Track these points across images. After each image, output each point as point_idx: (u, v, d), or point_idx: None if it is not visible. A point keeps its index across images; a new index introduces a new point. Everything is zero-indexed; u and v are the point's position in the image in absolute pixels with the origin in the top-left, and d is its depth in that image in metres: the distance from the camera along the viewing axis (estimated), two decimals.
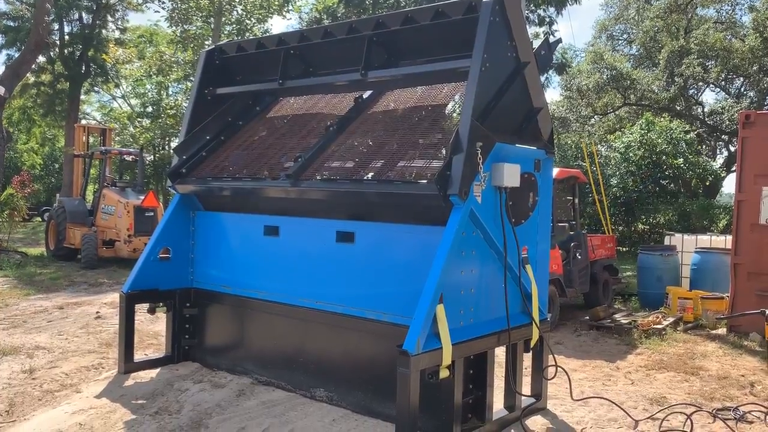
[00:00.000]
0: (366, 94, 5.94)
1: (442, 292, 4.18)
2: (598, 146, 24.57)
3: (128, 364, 5.89)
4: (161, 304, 6.23)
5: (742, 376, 6.22)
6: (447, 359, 4.13)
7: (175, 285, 6.21)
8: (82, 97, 31.98)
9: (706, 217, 18.40)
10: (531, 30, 24.21)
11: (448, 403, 4.33)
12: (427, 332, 4.03)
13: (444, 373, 4.14)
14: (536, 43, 5.36)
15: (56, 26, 27.60)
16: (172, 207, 6.25)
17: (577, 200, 9.66)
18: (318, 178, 5.10)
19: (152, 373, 5.90)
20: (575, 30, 75.15)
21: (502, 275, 4.71)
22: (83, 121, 32.73)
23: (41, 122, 32.58)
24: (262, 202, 5.73)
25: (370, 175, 4.87)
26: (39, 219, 26.83)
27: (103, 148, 15.13)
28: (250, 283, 5.80)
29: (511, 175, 4.66)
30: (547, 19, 22.07)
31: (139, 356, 6.31)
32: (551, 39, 5.52)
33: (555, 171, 9.35)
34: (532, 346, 5.07)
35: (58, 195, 19.73)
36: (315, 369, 5.31)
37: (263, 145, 6.02)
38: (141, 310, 6.54)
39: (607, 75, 23.75)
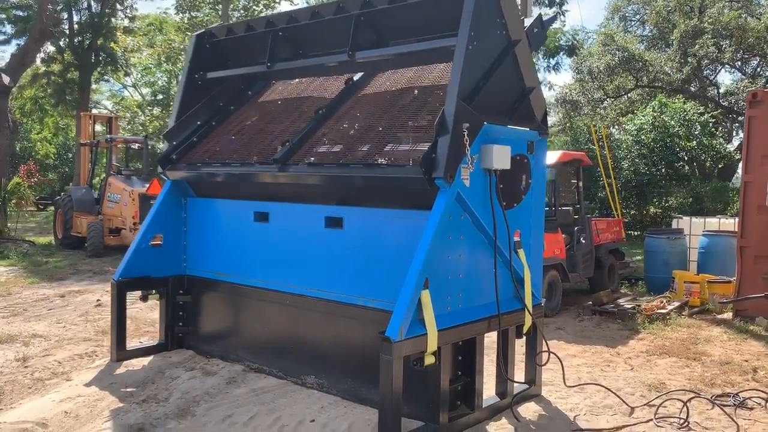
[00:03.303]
0: (357, 77, 5.84)
1: (428, 277, 4.08)
2: (610, 129, 24.24)
3: (120, 351, 5.86)
4: (154, 291, 6.19)
5: (746, 361, 6.07)
6: (432, 346, 4.04)
7: (167, 272, 6.16)
8: (94, 86, 32.08)
9: (720, 200, 18.09)
10: (542, 11, 23.87)
11: (435, 389, 4.24)
12: (411, 318, 3.94)
13: (429, 360, 4.06)
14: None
15: (65, 15, 27.62)
16: (164, 193, 6.19)
17: (581, 183, 9.47)
18: (305, 162, 5.00)
19: (145, 360, 5.87)
20: (590, 12, 74.07)
21: (493, 260, 4.60)
22: (94, 110, 32.85)
23: (53, 112, 32.70)
24: (252, 188, 5.66)
25: (356, 158, 4.76)
26: (53, 208, 26.95)
27: (108, 136, 15.13)
28: (241, 270, 5.74)
29: (500, 157, 4.53)
30: (557, 0, 21.68)
31: (133, 344, 6.29)
32: (544, 16, 5.34)
33: (558, 154, 9.19)
34: (525, 332, 4.96)
35: (71, 184, 19.82)
36: (305, 356, 5.25)
37: (253, 130, 5.92)
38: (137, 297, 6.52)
39: (618, 57, 23.31)
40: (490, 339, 4.80)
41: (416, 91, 5.18)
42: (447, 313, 4.31)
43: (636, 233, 18.28)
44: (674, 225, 11.43)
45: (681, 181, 18.89)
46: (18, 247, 13.59)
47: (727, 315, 7.91)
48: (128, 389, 5.11)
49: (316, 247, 5.15)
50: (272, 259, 5.49)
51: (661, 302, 8.12)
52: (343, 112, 5.44)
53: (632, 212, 19.93)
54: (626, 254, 11.63)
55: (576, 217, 9.16)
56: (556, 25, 24.61)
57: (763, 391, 5.11)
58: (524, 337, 5.01)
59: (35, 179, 14.89)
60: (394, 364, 3.80)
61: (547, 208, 9.09)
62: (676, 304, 8.17)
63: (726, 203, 18.05)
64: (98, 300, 8.79)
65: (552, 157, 8.82)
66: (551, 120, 33.41)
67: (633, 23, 29.39)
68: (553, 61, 25.05)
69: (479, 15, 4.38)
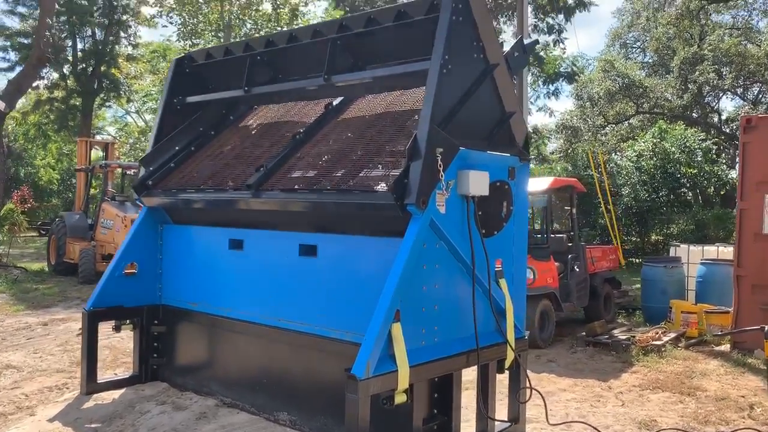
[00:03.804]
0: (337, 101, 5.71)
1: (399, 309, 3.88)
2: (612, 155, 24.11)
3: (91, 384, 5.65)
4: (127, 321, 5.99)
5: (742, 397, 5.81)
6: (404, 383, 3.82)
7: (142, 302, 5.97)
8: (99, 111, 32.25)
9: (723, 227, 17.83)
10: (541, 39, 23.94)
11: (408, 429, 4.01)
12: (379, 353, 3.72)
13: (400, 398, 3.83)
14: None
15: (69, 43, 27.88)
16: (139, 220, 6.04)
17: (575, 210, 9.27)
18: (279, 188, 4.84)
19: (116, 393, 5.66)
20: (592, 41, 74.51)
21: (472, 290, 4.40)
22: (98, 137, 32.97)
23: (56, 138, 32.85)
24: (227, 215, 5.50)
25: (330, 184, 4.59)
26: None
27: (103, 162, 15.06)
28: (216, 299, 5.55)
29: (478, 183, 4.36)
30: (556, 27, 21.72)
31: (106, 376, 6.08)
32: (526, 40, 5.21)
33: (550, 180, 9.02)
34: (507, 367, 4.73)
35: (64, 210, 19.73)
36: (278, 391, 5.03)
37: (231, 155, 5.78)
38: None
39: (619, 83, 23.28)
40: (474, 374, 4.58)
41: (394, 116, 5.03)
42: (421, 347, 4.10)
43: (637, 260, 17.99)
44: (672, 253, 11.19)
45: (683, 208, 18.66)
46: (9, 273, 13.43)
47: (725, 347, 7.64)
48: (93, 425, 4.90)
49: (290, 276, 4.96)
50: (246, 288, 5.31)
51: (657, 333, 7.87)
52: (321, 137, 5.30)
53: (633, 239, 19.69)
54: (626, 282, 11.40)
55: (570, 244, 8.95)
56: (555, 52, 24.67)
57: (758, 430, 4.86)
58: (507, 372, 4.79)
59: (29, 205, 14.79)
60: (360, 403, 3.58)
61: (539, 236, 8.92)
62: (673, 335, 7.91)
63: (729, 231, 17.78)
64: (80, 329, 8.57)
65: (543, 183, 8.65)
66: (552, 147, 33.40)
67: (633, 50, 29.50)
68: (552, 87, 25.05)
69: (454, 38, 4.24)
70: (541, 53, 24.28)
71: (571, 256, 8.80)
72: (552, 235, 8.62)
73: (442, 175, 4.10)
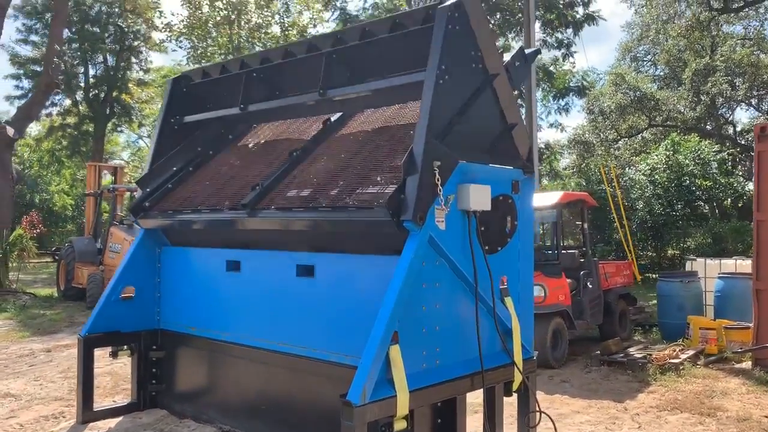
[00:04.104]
0: (336, 117, 5.57)
1: (397, 330, 3.70)
2: (625, 169, 23.82)
3: (87, 413, 5.49)
4: (125, 347, 5.83)
5: (766, 417, 5.53)
6: (403, 409, 3.62)
7: (139, 326, 5.82)
8: (111, 136, 32.52)
9: (741, 240, 17.46)
10: (550, 53, 23.82)
11: None
12: (376, 378, 3.54)
13: (400, 425, 3.63)
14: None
15: (81, 69, 28.20)
16: (136, 243, 5.91)
17: (586, 225, 9.05)
18: (274, 207, 4.69)
19: (113, 422, 5.50)
20: (603, 56, 74.38)
21: (476, 310, 4.20)
22: (111, 161, 33.18)
23: (70, 164, 33.12)
24: (223, 236, 5.35)
25: (326, 201, 4.43)
26: None
27: (111, 186, 15.05)
28: (213, 323, 5.39)
29: (479, 198, 4.19)
30: (565, 42, 21.59)
31: (104, 404, 5.93)
32: (527, 50, 5.06)
33: (559, 194, 8.81)
34: (514, 389, 4.52)
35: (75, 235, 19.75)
36: (277, 417, 4.84)
37: (229, 175, 5.65)
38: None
39: (630, 96, 23.05)
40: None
41: (393, 130, 4.88)
42: (422, 370, 3.91)
43: (653, 275, 17.63)
44: (688, 267, 10.89)
45: (699, 222, 18.32)
46: (17, 299, 13.38)
47: (746, 364, 7.34)
48: None
49: (287, 298, 4.79)
50: (244, 311, 5.14)
51: (674, 351, 7.59)
52: (318, 154, 5.15)
53: (649, 254, 19.33)
54: (642, 298, 11.10)
55: (582, 260, 8.70)
56: (565, 66, 24.52)
57: None
58: (515, 395, 4.57)
59: (38, 230, 14.78)
60: (356, 431, 3.39)
61: (549, 252, 8.69)
62: (691, 352, 7.62)
63: (747, 244, 17.39)
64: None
65: (553, 197, 8.45)
66: (565, 162, 33.15)
67: (644, 63, 29.28)
68: (563, 102, 24.86)
69: (450, 48, 4.10)
70: (551, 68, 24.12)
71: (584, 273, 8.55)
72: (563, 251, 8.38)
73: (440, 190, 3.93)
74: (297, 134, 5.78)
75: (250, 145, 6.07)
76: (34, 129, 34.30)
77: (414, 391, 3.70)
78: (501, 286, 4.50)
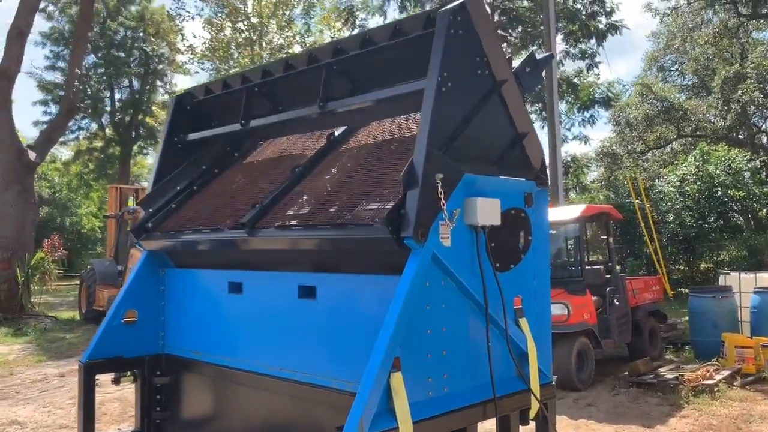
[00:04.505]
0: (340, 131, 5.36)
1: (399, 356, 3.44)
2: (654, 181, 23.26)
3: None
4: (128, 373, 5.64)
5: None
6: None
7: (143, 351, 5.62)
8: (138, 159, 32.91)
9: None
10: (574, 65, 23.46)
11: None
12: (375, 408, 3.27)
13: None
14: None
15: (108, 94, 28.62)
16: (139, 265, 5.73)
17: (611, 239, 8.68)
18: (274, 225, 4.47)
19: None
20: (630, 68, 73.55)
21: (485, 333, 3.91)
22: (136, 184, 33.60)
23: (98, 187, 33.60)
24: (225, 256, 5.15)
25: (326, 218, 4.20)
26: None
27: (131, 208, 15.07)
28: (217, 347, 5.17)
29: (487, 212, 3.92)
30: (589, 52, 21.22)
31: (111, 431, 5.74)
32: (539, 54, 4.79)
33: (581, 207, 8.47)
34: (531, 418, 4.20)
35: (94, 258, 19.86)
36: None
37: (230, 193, 5.46)
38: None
39: (657, 107, 22.54)
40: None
41: (397, 143, 4.64)
42: (428, 399, 3.63)
43: (686, 290, 17.04)
44: (722, 281, 10.40)
45: (733, 234, 17.70)
46: (39, 322, 13.38)
47: None
48: None
49: (289, 321, 4.55)
50: (247, 334, 4.92)
51: (708, 371, 7.17)
52: (321, 170, 4.94)
53: (681, 268, 18.74)
54: (674, 315, 10.65)
55: (608, 276, 8.33)
56: (589, 78, 24.11)
57: None
58: (533, 424, 4.26)
59: (59, 253, 14.83)
60: None
61: (573, 268, 8.34)
62: (726, 372, 7.20)
63: None
64: (96, 379, 8.30)
65: (575, 210, 8.12)
66: (593, 175, 32.55)
67: (672, 73, 28.68)
68: (587, 114, 24.43)
69: (453, 53, 3.86)
70: (575, 80, 23.73)
71: (610, 289, 8.19)
72: (588, 267, 8.02)
73: (443, 204, 3.67)
74: (302, 150, 5.59)
75: (255, 163, 5.88)
76: (64, 153, 34.99)
77: (418, 421, 3.43)
78: (515, 307, 4.22)
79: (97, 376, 5.46)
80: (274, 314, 4.69)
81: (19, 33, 15.32)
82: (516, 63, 4.72)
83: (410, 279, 3.54)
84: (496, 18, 21.30)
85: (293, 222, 4.37)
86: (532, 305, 4.36)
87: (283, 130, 5.72)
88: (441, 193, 3.65)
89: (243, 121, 5.28)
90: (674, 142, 24.73)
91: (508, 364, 4.07)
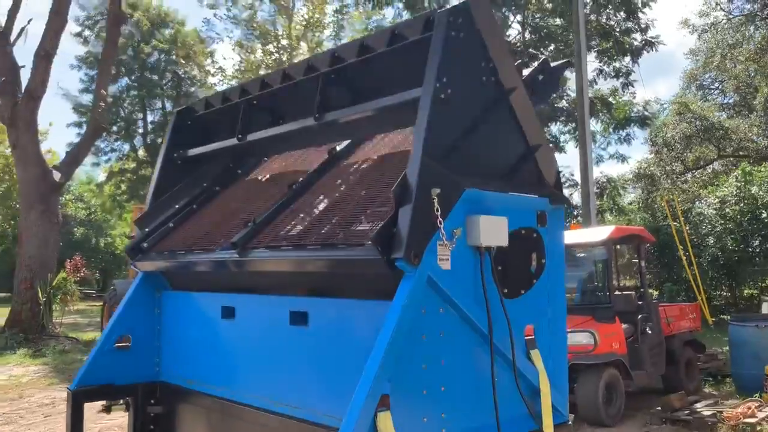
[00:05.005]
0: (342, 146, 5.04)
1: (389, 393, 3.06)
2: (694, 204, 22.42)
3: None
4: (121, 401, 5.35)
5: None
6: None
7: (136, 378, 5.32)
8: None
9: None
10: (608, 83, 22.89)
11: None
12: None
13: None
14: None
15: (140, 116, 29.03)
16: (134, 287, 5.46)
17: (644, 263, 8.15)
18: (263, 246, 4.15)
19: None
20: (672, 89, 72.18)
21: (490, 366, 3.51)
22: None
23: (131, 208, 34.06)
24: (217, 277, 4.85)
25: (318, 239, 3.86)
26: None
27: None
28: (210, 376, 4.84)
29: (493, 231, 3.53)
30: (624, 70, 20.66)
31: None
32: (554, 63, 4.41)
33: (610, 229, 7.98)
34: None
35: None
36: None
37: (228, 212, 5.17)
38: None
39: (695, 126, 21.79)
40: None
41: (400, 157, 4.29)
42: None
43: (728, 318, 16.21)
44: (765, 309, 9.72)
45: None
46: (59, 344, 13.29)
47: None
48: None
49: (281, 349, 4.21)
50: (239, 363, 4.58)
51: (750, 408, 6.56)
52: (319, 186, 4.62)
53: (723, 294, 17.88)
54: (715, 344, 9.98)
55: (640, 302, 7.79)
56: (625, 97, 23.48)
57: None
58: None
59: (81, 274, 14.79)
60: None
61: (600, 293, 7.83)
62: None
63: None
64: (103, 405, 8.06)
65: (603, 233, 7.63)
66: (630, 197, 31.66)
67: (712, 91, 27.82)
68: (623, 133, 23.74)
69: (453, 58, 3.52)
70: (610, 99, 23.14)
71: (642, 316, 7.65)
72: (617, 293, 7.51)
73: (440, 222, 3.30)
74: (303, 166, 5.28)
75: (256, 180, 5.60)
76: (97, 174, 35.56)
77: None
78: (525, 337, 3.81)
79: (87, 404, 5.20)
80: (265, 342, 4.35)
81: (45, 54, 15.56)
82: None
83: (401, 305, 3.17)
84: (527, 36, 20.94)
85: (284, 242, 4.05)
86: (546, 335, 3.94)
87: (283, 145, 5.43)
88: (437, 210, 3.28)
89: (240, 136, 5.00)
90: (715, 163, 23.88)
91: (516, 402, 3.65)
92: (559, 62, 4.51)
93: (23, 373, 10.48)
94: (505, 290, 3.65)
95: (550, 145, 4.58)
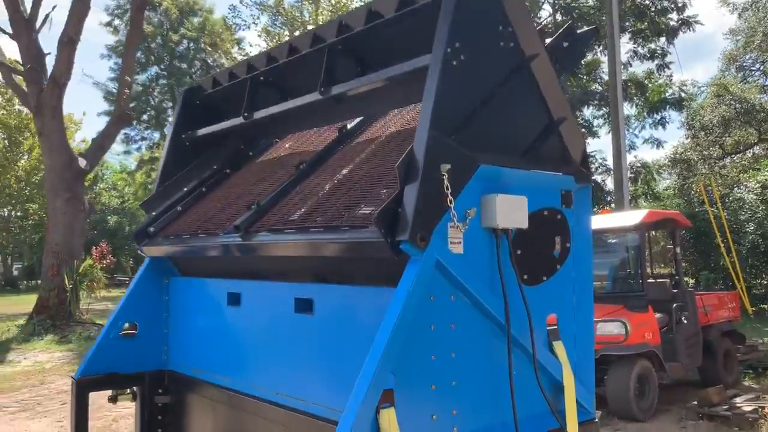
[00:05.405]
0: (354, 123, 4.76)
1: (392, 387, 2.79)
2: (733, 189, 21.64)
3: None
4: (127, 391, 5.18)
5: None
6: None
7: (143, 367, 5.14)
8: None
9: None
10: (643, 65, 22.15)
11: None
12: None
13: None
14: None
15: (170, 104, 29.10)
16: (140, 273, 5.27)
17: (679, 249, 7.71)
18: (266, 229, 3.90)
19: None
20: (711, 72, 70.00)
21: (507, 359, 3.21)
22: None
23: None
24: (221, 263, 4.63)
25: (323, 220, 3.59)
26: None
27: None
28: (216, 366, 4.63)
29: (511, 212, 3.22)
30: (659, 51, 19.92)
31: None
32: (579, 29, 4.04)
33: (643, 213, 7.56)
34: None
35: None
36: None
37: (235, 194, 4.94)
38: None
39: (735, 108, 20.94)
40: None
41: (412, 134, 3.98)
42: None
43: None
44: None
45: None
46: (85, 330, 13.34)
47: None
48: None
49: (286, 338, 3.96)
50: (244, 353, 4.36)
51: None
52: (327, 166, 4.35)
53: (765, 282, 17.18)
54: (755, 334, 9.50)
55: (675, 291, 7.37)
56: (660, 80, 22.67)
57: None
58: None
59: (107, 261, 14.82)
60: None
61: (632, 281, 7.44)
62: None
63: None
64: (114, 392, 7.98)
65: (636, 217, 7.23)
66: (665, 183, 30.77)
67: (753, 73, 26.75)
68: (658, 117, 22.91)
69: (467, 21, 3.21)
70: (645, 81, 22.38)
71: (677, 305, 7.25)
72: (650, 281, 7.11)
73: (451, 201, 3.00)
74: (314, 146, 5.02)
75: (267, 161, 5.36)
76: (133, 164, 35.92)
77: None
78: (547, 327, 3.50)
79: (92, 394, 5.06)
80: (270, 331, 4.11)
81: (69, 41, 15.55)
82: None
83: (406, 292, 2.88)
84: (558, 17, 20.32)
85: (287, 225, 3.79)
86: (570, 326, 3.63)
87: (293, 123, 5.16)
88: (448, 188, 2.98)
89: (246, 114, 4.74)
90: (755, 146, 22.97)
91: (537, 398, 3.34)
92: (586, 29, 4.14)
93: (48, 359, 10.50)
94: (525, 276, 3.35)
95: (583, 130, 4.25)
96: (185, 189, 5.40)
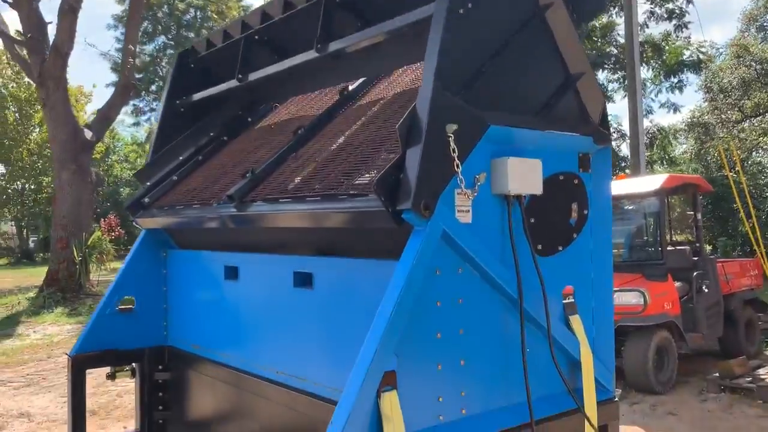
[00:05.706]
0: (356, 85, 4.47)
1: (395, 369, 2.57)
2: (752, 153, 21.12)
3: None
4: (126, 368, 5.01)
5: None
6: None
7: (142, 343, 4.97)
8: None
9: None
10: (660, 27, 21.48)
11: None
12: None
13: None
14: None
15: None
16: (136, 246, 5.06)
17: (699, 215, 7.40)
18: (261, 198, 3.65)
19: None
20: (728, 33, 68.41)
21: (520, 335, 2.97)
22: None
23: None
24: (216, 234, 4.42)
25: (321, 188, 3.34)
26: None
27: None
28: (214, 342, 4.44)
29: (524, 177, 2.96)
30: (677, 12, 19.27)
31: (114, 431, 5.15)
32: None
33: (663, 177, 7.24)
34: None
35: None
36: None
37: (232, 163, 4.68)
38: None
39: (755, 69, 20.29)
40: None
41: (414, 94, 3.70)
42: (438, 425, 2.75)
43: None
44: None
45: None
46: (95, 303, 13.26)
47: None
48: None
49: (285, 314, 3.75)
50: (242, 329, 4.15)
51: None
52: (327, 131, 4.07)
53: None
54: None
55: (695, 258, 7.08)
56: (678, 42, 21.98)
57: None
58: None
59: (116, 233, 14.71)
60: None
61: (651, 249, 7.16)
62: None
63: None
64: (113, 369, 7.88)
65: (655, 182, 6.91)
66: (682, 147, 30.15)
67: None
68: (675, 80, 22.26)
69: None
70: (663, 43, 21.72)
71: (697, 274, 6.96)
72: (670, 248, 6.82)
73: (458, 165, 2.73)
74: (315, 110, 4.73)
75: (265, 127, 5.08)
76: (143, 135, 35.72)
77: None
78: (563, 301, 3.25)
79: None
80: (269, 306, 3.90)
81: (70, 8, 15.21)
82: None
83: (409, 266, 2.64)
84: None
85: (283, 194, 3.54)
86: (588, 299, 3.39)
87: (290, 85, 4.88)
88: (454, 151, 2.71)
89: (240, 76, 4.47)
90: None
91: (552, 377, 3.11)
92: None
93: (57, 332, 10.44)
94: (539, 246, 3.10)
95: None
96: (181, 158, 5.16)
